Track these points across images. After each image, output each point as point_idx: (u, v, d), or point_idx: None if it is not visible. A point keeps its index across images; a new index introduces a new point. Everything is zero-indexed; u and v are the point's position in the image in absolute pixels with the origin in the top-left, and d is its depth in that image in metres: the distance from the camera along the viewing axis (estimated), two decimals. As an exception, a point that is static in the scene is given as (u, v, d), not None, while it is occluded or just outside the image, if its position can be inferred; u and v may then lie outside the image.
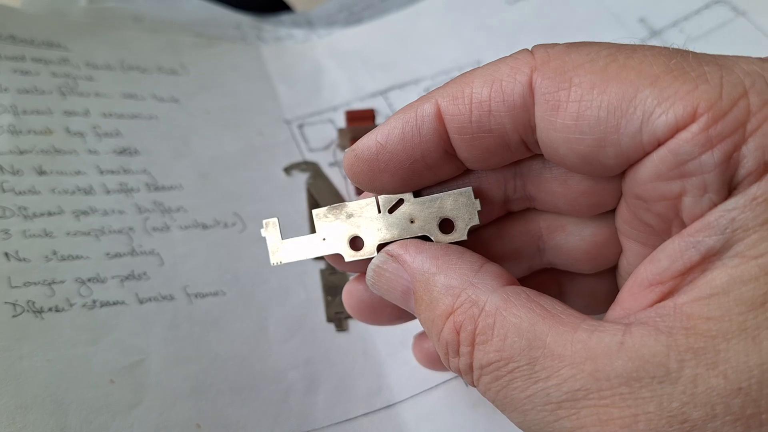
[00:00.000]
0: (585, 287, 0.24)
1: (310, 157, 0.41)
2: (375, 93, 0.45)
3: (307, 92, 0.45)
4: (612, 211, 0.21)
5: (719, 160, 0.15)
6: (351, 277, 0.25)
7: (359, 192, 0.38)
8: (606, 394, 0.15)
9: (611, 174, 0.18)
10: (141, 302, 0.31)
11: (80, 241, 0.32)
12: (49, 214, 0.32)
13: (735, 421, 0.14)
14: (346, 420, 0.30)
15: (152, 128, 0.39)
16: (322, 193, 0.39)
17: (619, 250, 0.21)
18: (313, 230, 0.22)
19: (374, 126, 0.32)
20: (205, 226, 0.36)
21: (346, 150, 0.21)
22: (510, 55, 0.18)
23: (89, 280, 0.31)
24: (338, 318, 0.33)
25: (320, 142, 0.42)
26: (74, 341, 0.28)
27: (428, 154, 0.20)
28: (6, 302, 0.28)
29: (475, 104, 0.18)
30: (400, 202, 0.21)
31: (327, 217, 0.22)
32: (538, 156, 0.20)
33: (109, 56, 0.42)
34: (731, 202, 0.15)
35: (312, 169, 0.40)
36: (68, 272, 0.30)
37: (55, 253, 0.31)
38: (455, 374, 0.29)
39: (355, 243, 0.21)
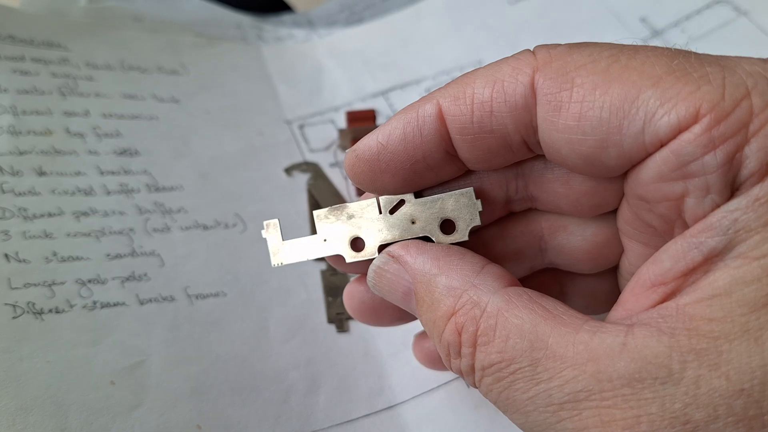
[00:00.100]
0: (586, 287, 0.24)
1: (311, 157, 0.41)
2: (376, 93, 0.45)
3: (308, 92, 0.45)
4: (614, 212, 0.21)
5: (722, 161, 0.15)
6: (352, 279, 0.25)
7: (360, 192, 0.38)
8: (608, 395, 0.15)
9: (613, 175, 0.18)
10: (141, 303, 0.31)
11: (80, 242, 0.32)
12: (49, 215, 0.32)
13: (737, 423, 0.14)
14: (348, 421, 0.30)
15: (152, 129, 0.39)
16: (322, 194, 0.39)
17: (621, 251, 0.21)
18: (313, 231, 0.22)
19: (375, 126, 0.32)
20: (205, 227, 0.35)
21: (347, 150, 0.21)
22: (512, 56, 0.18)
23: (89, 281, 0.31)
24: (339, 319, 0.33)
25: (321, 142, 0.42)
26: (74, 342, 0.28)
27: (429, 155, 0.20)
28: (6, 303, 0.28)
29: (477, 105, 0.18)
30: (401, 202, 0.21)
31: (328, 218, 0.22)
32: (539, 156, 0.20)
33: (109, 56, 0.42)
34: (734, 203, 0.15)
35: (313, 169, 0.40)
36: (68, 273, 0.30)
37: (55, 254, 0.31)
38: (456, 375, 0.29)
39: (356, 244, 0.21)
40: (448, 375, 0.31)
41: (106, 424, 0.26)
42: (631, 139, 0.16)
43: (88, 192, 0.34)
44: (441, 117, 0.19)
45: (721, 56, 0.16)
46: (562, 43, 0.18)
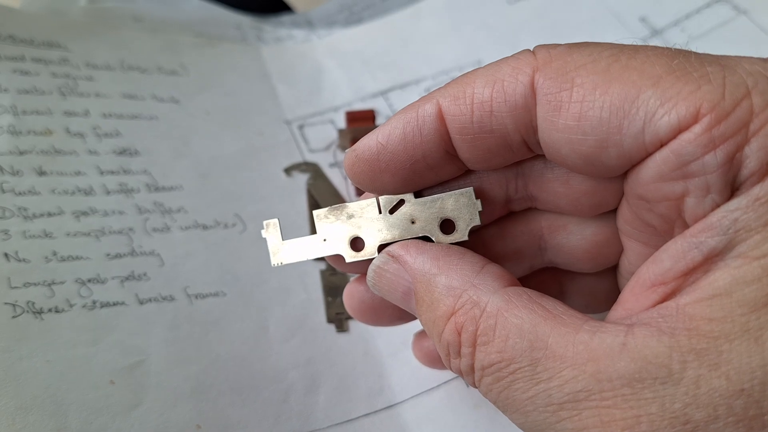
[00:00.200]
0: (586, 286, 0.24)
1: (311, 157, 0.41)
2: (375, 93, 0.45)
3: (308, 93, 0.45)
4: (613, 211, 0.21)
5: (722, 161, 0.15)
6: (352, 278, 0.25)
7: (360, 193, 0.38)
8: (608, 395, 0.15)
9: (613, 174, 0.18)
10: (141, 303, 0.31)
11: (80, 241, 0.32)
12: (49, 214, 0.32)
13: (737, 423, 0.14)
14: (347, 420, 0.30)
15: (152, 129, 0.39)
16: (322, 194, 0.39)
17: (620, 250, 0.21)
18: (313, 231, 0.22)
19: (375, 127, 0.32)
20: (205, 227, 0.35)
21: (346, 150, 0.21)
22: (512, 56, 0.18)
23: (89, 280, 0.31)
24: (339, 319, 0.33)
25: (320, 142, 0.42)
26: (74, 342, 0.28)
27: (429, 155, 0.20)
28: (6, 303, 0.28)
29: (477, 104, 0.18)
30: (401, 202, 0.21)
31: (328, 217, 0.22)
32: (539, 156, 0.20)
33: (109, 56, 0.42)
34: (734, 203, 0.15)
35: (312, 169, 0.40)
36: (68, 273, 0.30)
37: (55, 253, 0.31)
38: (456, 375, 0.29)
39: (356, 244, 0.21)
40: (448, 374, 0.31)
41: (106, 424, 0.26)
42: (631, 138, 0.16)
43: (88, 192, 0.34)
44: (441, 117, 0.19)
45: (722, 56, 0.16)
46: (562, 43, 0.18)
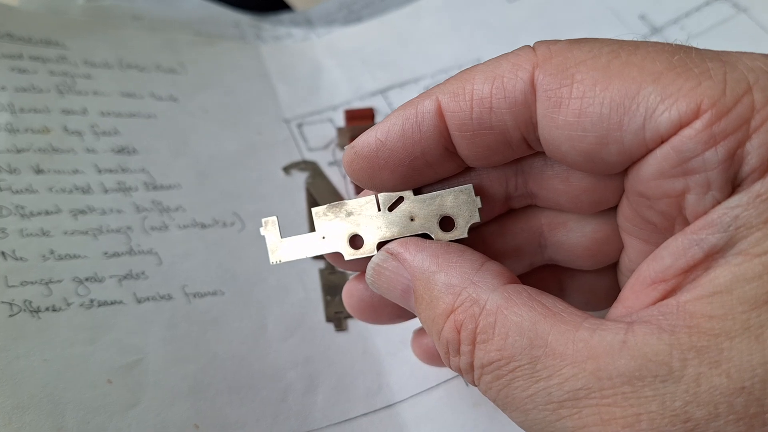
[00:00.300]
0: (586, 283, 0.24)
1: (310, 156, 0.41)
2: (374, 92, 0.44)
3: (306, 91, 0.45)
4: (614, 208, 0.20)
5: (723, 157, 0.15)
6: (351, 277, 0.25)
7: (359, 190, 0.38)
8: (608, 393, 0.15)
9: (614, 171, 0.18)
10: (139, 302, 0.31)
11: (78, 240, 0.32)
12: (47, 213, 0.32)
13: (738, 420, 0.14)
14: (346, 420, 0.30)
15: (151, 127, 0.39)
16: (321, 193, 0.39)
17: (621, 247, 0.21)
18: (312, 229, 0.22)
19: (374, 125, 0.31)
20: (203, 226, 0.35)
21: (345, 147, 0.21)
22: (511, 52, 0.18)
23: (87, 279, 0.30)
24: (338, 317, 0.33)
25: (319, 141, 0.42)
26: (71, 341, 0.28)
27: (428, 152, 0.19)
28: (3, 302, 0.28)
29: (476, 101, 0.18)
30: (400, 199, 0.21)
31: (326, 215, 0.21)
32: (539, 153, 0.20)
33: (108, 54, 0.41)
34: (735, 200, 0.15)
35: (311, 168, 0.40)
36: (66, 271, 0.30)
37: (52, 252, 0.31)
38: (455, 373, 0.29)
39: (355, 241, 0.21)
40: (447, 373, 0.31)
41: (103, 423, 0.26)
42: (632, 135, 0.16)
43: (86, 190, 0.34)
44: (440, 113, 0.19)
45: (722, 52, 0.16)
46: (562, 39, 0.18)
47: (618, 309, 0.18)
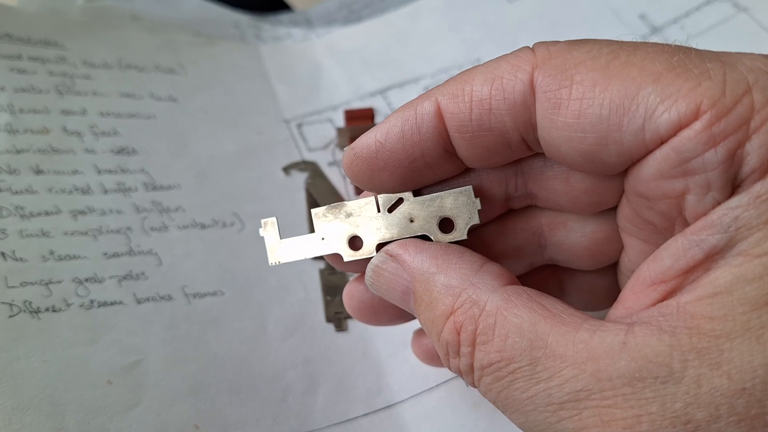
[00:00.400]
0: (585, 283, 0.24)
1: (309, 156, 0.41)
2: (374, 92, 0.44)
3: (306, 91, 0.45)
4: (613, 208, 0.20)
5: (722, 158, 0.15)
6: (351, 278, 0.25)
7: (358, 191, 0.38)
8: (608, 394, 0.15)
9: (613, 172, 0.18)
10: (139, 302, 0.31)
11: (78, 240, 0.32)
12: (46, 213, 0.32)
13: (739, 422, 0.14)
14: (346, 420, 0.30)
15: (150, 127, 0.39)
16: (321, 193, 0.39)
17: (620, 247, 0.21)
18: (312, 230, 0.22)
19: (373, 125, 0.31)
20: (203, 226, 0.35)
21: (345, 148, 0.20)
22: (511, 53, 0.18)
23: (87, 280, 0.30)
24: (338, 318, 0.33)
25: (319, 141, 0.42)
26: (72, 341, 0.28)
27: (428, 153, 0.19)
28: (3, 302, 0.28)
29: (476, 102, 0.18)
30: (400, 201, 0.21)
31: (326, 216, 0.21)
32: (539, 154, 0.20)
33: (107, 55, 0.41)
34: (735, 200, 0.15)
35: (311, 168, 0.40)
36: (65, 272, 0.30)
37: (52, 252, 0.31)
38: (455, 374, 0.29)
39: (354, 242, 0.21)
40: (447, 373, 0.31)
41: (104, 424, 0.26)
42: (632, 136, 0.16)
43: (86, 190, 0.34)
44: (439, 115, 0.19)
45: (722, 52, 0.16)
46: (561, 40, 0.18)
47: (618, 310, 0.18)
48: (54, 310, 0.29)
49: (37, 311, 0.28)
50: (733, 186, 0.15)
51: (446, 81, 0.19)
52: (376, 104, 0.43)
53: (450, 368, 0.19)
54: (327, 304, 0.34)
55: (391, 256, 0.20)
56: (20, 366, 0.26)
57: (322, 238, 0.21)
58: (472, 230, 0.21)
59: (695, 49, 0.16)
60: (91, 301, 0.30)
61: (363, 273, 0.22)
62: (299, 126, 0.43)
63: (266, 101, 0.44)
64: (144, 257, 0.33)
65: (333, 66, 0.47)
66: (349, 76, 0.46)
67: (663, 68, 0.16)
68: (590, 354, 0.15)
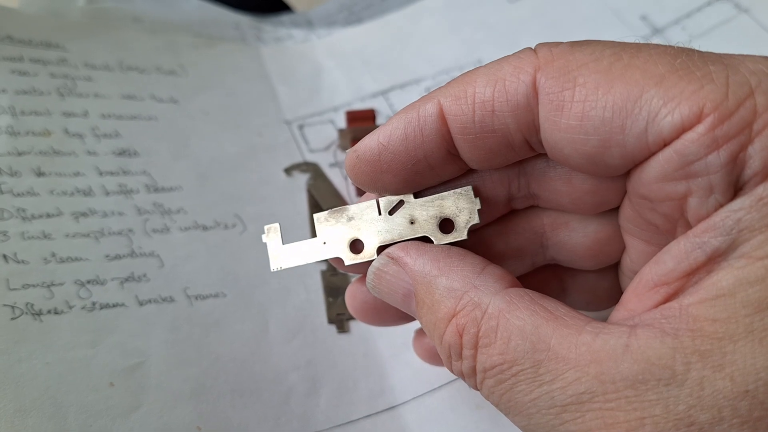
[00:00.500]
0: (587, 283, 0.24)
1: (311, 157, 0.41)
2: (375, 93, 0.44)
3: (307, 93, 0.45)
4: (616, 209, 0.20)
5: (725, 161, 0.15)
6: (354, 279, 0.25)
7: (360, 192, 0.38)
8: (611, 397, 0.15)
9: (616, 174, 0.18)
10: (141, 304, 0.31)
11: (79, 242, 0.32)
12: (48, 215, 0.32)
13: (742, 424, 0.14)
14: (348, 422, 0.30)
15: (151, 129, 0.39)
16: (322, 194, 0.39)
17: (622, 247, 0.21)
18: (313, 233, 0.22)
19: (375, 126, 0.31)
20: (205, 228, 0.35)
21: (347, 151, 0.20)
22: (513, 54, 0.18)
23: (89, 282, 0.30)
24: (339, 319, 0.33)
25: (320, 142, 0.42)
26: (73, 344, 0.28)
27: (431, 155, 0.19)
28: (4, 305, 0.28)
29: (478, 104, 0.18)
30: (401, 203, 0.21)
31: (328, 220, 0.21)
32: (541, 155, 0.20)
33: (108, 57, 0.41)
34: (737, 203, 0.15)
35: (312, 169, 0.40)
36: (67, 274, 0.30)
37: (54, 255, 0.31)
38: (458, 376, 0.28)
39: (356, 246, 0.21)
40: (449, 374, 0.31)
41: (106, 426, 0.26)
42: (634, 138, 0.16)
43: (87, 193, 0.34)
44: (442, 116, 0.19)
45: (725, 54, 0.16)
46: (563, 41, 0.18)
47: (620, 312, 0.18)
48: (56, 313, 0.29)
49: (39, 313, 0.28)
50: (736, 189, 0.15)
51: (448, 82, 0.19)
52: (377, 105, 0.43)
53: (452, 371, 0.19)
54: (329, 306, 0.34)
55: (392, 258, 0.20)
56: (22, 368, 0.26)
57: (324, 243, 0.21)
58: (473, 230, 0.21)
59: (698, 51, 0.16)
60: (93, 303, 0.30)
61: (365, 275, 0.22)
62: (300, 127, 0.43)
63: (267, 102, 0.44)
64: (146, 259, 0.33)
65: (334, 67, 0.47)
66: (350, 77, 0.46)
67: (666, 71, 0.16)
68: (593, 357, 0.15)
